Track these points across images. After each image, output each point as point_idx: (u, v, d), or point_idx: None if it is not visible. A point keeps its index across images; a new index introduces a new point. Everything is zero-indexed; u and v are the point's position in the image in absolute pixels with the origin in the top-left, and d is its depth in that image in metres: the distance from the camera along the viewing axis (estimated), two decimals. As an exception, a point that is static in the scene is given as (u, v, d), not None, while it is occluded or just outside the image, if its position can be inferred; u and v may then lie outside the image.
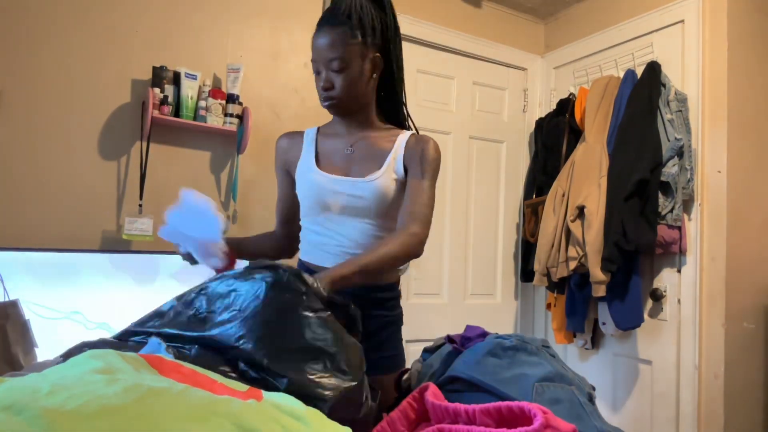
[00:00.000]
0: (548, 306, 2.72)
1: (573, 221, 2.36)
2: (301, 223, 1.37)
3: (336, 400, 0.74)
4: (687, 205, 2.31)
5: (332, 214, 1.28)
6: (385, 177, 1.26)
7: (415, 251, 1.19)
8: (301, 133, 1.39)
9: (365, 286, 1.26)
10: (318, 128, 1.40)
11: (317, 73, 1.25)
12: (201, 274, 1.19)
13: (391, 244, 1.16)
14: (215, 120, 2.14)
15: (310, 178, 1.30)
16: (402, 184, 1.29)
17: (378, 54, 1.28)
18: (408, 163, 1.28)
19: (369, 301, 1.28)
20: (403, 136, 1.32)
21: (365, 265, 1.11)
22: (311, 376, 0.75)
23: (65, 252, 1.85)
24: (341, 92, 1.24)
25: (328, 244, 1.29)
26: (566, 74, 3.02)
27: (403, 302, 2.80)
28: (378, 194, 1.25)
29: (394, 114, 1.39)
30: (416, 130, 1.39)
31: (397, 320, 1.39)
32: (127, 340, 0.87)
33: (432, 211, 1.26)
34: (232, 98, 2.18)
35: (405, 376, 1.04)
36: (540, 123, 2.97)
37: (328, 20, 1.22)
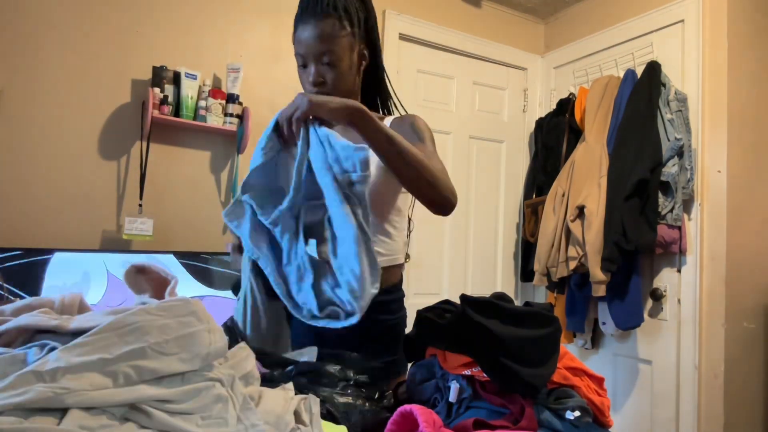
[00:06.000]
0: (548, 306, 2.71)
1: (573, 221, 2.36)
2: None
3: None
4: (687, 205, 2.31)
5: None
6: (373, 166, 1.18)
7: (448, 193, 1.05)
8: None
9: None
10: None
11: (303, 66, 1.18)
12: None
13: (428, 161, 1.03)
14: (215, 120, 2.14)
15: None
16: (388, 172, 1.14)
17: (364, 45, 1.24)
18: None
19: (373, 305, 1.25)
20: (386, 121, 1.26)
21: (398, 141, 1.00)
22: None
23: (65, 252, 1.85)
24: (332, 88, 1.18)
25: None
26: (566, 74, 3.02)
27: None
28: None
29: (383, 106, 1.35)
30: (405, 111, 1.33)
31: (401, 322, 1.33)
32: None
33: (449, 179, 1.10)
34: (232, 98, 2.18)
35: (401, 389, 1.03)
36: (540, 123, 2.97)
37: (313, 11, 1.14)
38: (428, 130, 1.22)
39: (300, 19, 1.17)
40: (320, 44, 1.14)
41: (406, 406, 0.79)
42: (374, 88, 1.33)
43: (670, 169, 2.22)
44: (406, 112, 1.35)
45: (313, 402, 0.70)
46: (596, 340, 2.64)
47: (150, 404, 0.54)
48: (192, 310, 0.61)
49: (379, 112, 1.36)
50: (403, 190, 1.25)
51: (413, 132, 1.19)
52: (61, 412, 0.51)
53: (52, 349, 0.56)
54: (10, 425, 0.46)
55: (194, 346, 0.59)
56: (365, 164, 0.95)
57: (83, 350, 0.54)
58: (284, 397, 0.68)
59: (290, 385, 0.73)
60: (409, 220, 1.37)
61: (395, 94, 1.37)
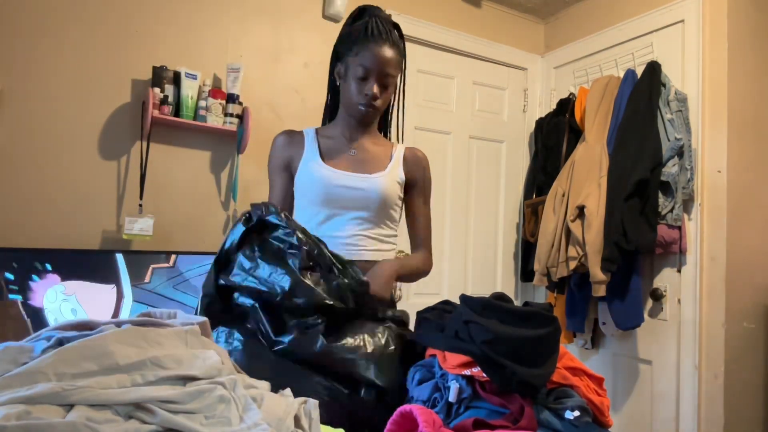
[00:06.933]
0: (548, 306, 2.71)
1: (573, 221, 2.36)
2: (296, 218, 1.39)
3: None
4: (687, 205, 2.31)
5: (333, 208, 1.35)
6: (389, 177, 1.38)
7: (428, 271, 1.47)
8: (300, 132, 1.44)
9: None
10: (316, 129, 1.45)
11: (364, 78, 1.30)
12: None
13: (420, 259, 1.44)
14: (215, 120, 2.14)
15: (316, 171, 1.35)
16: (401, 188, 1.43)
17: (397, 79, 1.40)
18: (410, 178, 1.44)
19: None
20: (399, 149, 1.45)
21: (405, 268, 1.36)
22: None
23: (65, 252, 1.86)
24: (382, 106, 1.36)
25: (325, 237, 1.31)
26: (566, 74, 3.02)
27: (403, 302, 2.81)
28: (382, 191, 1.36)
29: (383, 126, 1.54)
30: (401, 139, 1.55)
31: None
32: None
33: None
34: (232, 98, 2.18)
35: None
36: (540, 123, 2.97)
37: (389, 37, 1.30)
38: (431, 183, 1.50)
39: (370, 37, 1.30)
40: (389, 67, 1.30)
41: (406, 406, 0.79)
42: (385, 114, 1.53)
43: (670, 169, 2.22)
44: (400, 139, 1.54)
45: (313, 407, 0.71)
46: (596, 340, 2.64)
47: (154, 404, 0.55)
48: (195, 333, 0.65)
49: (386, 135, 1.52)
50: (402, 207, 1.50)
51: (423, 187, 1.47)
52: (68, 406, 0.52)
53: (59, 341, 0.57)
54: (17, 419, 0.47)
55: (189, 362, 0.61)
56: None
57: (84, 353, 0.55)
58: (285, 401, 0.69)
59: (288, 391, 0.74)
60: None
61: (402, 123, 1.53)
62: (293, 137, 1.43)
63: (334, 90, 1.45)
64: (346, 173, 1.36)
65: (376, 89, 1.30)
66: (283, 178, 1.43)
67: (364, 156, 1.40)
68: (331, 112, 1.48)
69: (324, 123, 1.51)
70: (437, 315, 1.06)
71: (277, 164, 1.43)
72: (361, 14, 1.36)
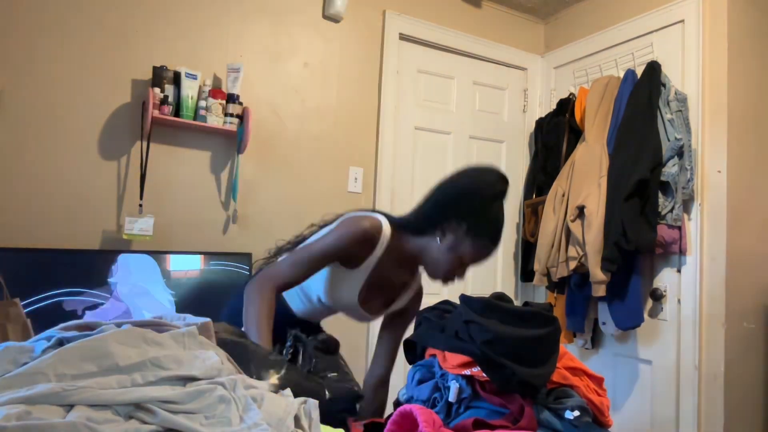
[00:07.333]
0: (548, 306, 2.71)
1: (573, 221, 2.36)
2: (313, 299, 1.38)
3: None
4: (687, 205, 2.31)
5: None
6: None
7: None
8: (378, 240, 1.28)
9: None
10: (388, 242, 1.29)
11: (464, 264, 1.26)
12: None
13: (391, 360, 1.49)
14: (215, 120, 2.14)
15: (350, 306, 1.35)
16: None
17: None
18: (409, 307, 1.44)
19: None
20: (417, 281, 1.43)
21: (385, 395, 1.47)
22: None
23: (65, 252, 1.86)
24: None
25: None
26: (566, 74, 3.02)
27: (403, 302, 2.79)
28: None
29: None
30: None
31: None
32: None
33: None
34: (232, 98, 2.18)
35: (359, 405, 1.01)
36: (540, 123, 2.97)
37: (498, 242, 1.27)
38: None
39: (494, 244, 1.26)
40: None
41: (406, 406, 0.79)
42: None
43: (670, 169, 2.22)
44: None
45: (313, 407, 0.71)
46: (596, 340, 2.64)
47: (154, 404, 0.55)
48: (192, 334, 0.66)
49: None
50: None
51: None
52: (68, 406, 0.52)
53: (59, 341, 0.58)
54: (17, 419, 0.47)
55: (189, 362, 0.61)
56: None
57: (84, 354, 0.55)
58: (285, 401, 0.69)
59: (288, 392, 0.74)
60: None
61: None
62: (368, 244, 1.27)
63: (442, 222, 1.25)
64: (368, 315, 1.37)
65: (463, 276, 1.28)
66: (330, 264, 1.29)
67: (394, 293, 1.38)
68: (422, 226, 1.29)
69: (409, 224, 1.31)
70: (437, 315, 1.07)
71: (339, 253, 1.26)
72: (500, 194, 1.26)
